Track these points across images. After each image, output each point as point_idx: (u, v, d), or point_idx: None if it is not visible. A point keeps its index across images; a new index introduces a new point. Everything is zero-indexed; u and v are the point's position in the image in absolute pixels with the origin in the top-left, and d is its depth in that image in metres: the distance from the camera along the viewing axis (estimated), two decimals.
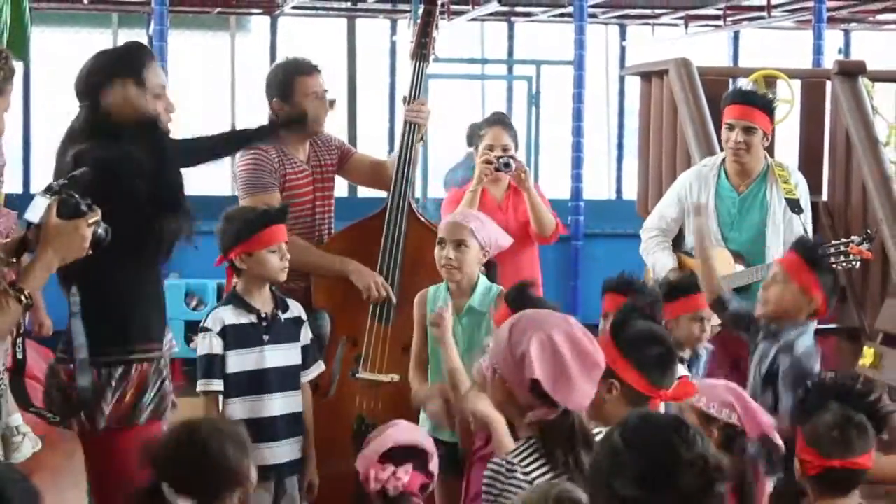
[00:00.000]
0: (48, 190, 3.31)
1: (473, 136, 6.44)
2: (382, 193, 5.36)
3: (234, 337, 4.46)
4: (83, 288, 3.63)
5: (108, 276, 3.68)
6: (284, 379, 4.52)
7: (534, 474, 2.96)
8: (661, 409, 3.43)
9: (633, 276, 4.75)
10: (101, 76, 3.81)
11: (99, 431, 3.70)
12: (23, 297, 3.20)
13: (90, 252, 3.37)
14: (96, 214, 3.36)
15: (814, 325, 4.61)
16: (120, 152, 3.68)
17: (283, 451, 4.50)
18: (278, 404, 4.50)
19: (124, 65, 3.83)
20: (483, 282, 4.65)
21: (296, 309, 4.66)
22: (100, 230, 3.39)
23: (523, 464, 2.97)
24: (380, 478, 3.45)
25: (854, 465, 3.18)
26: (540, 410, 2.98)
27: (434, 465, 3.57)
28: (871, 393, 3.35)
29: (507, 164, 5.65)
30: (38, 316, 5.81)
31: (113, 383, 3.70)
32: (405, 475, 3.43)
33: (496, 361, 3.03)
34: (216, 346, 4.44)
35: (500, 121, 6.09)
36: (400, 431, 3.63)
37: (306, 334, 4.65)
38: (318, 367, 4.69)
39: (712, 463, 2.35)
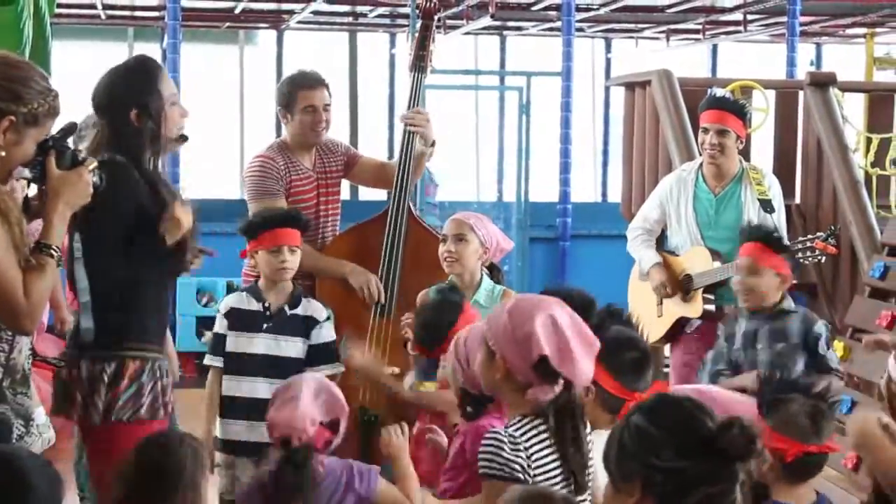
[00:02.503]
0: (40, 146, 3.22)
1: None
2: (383, 196, 5.36)
3: (237, 320, 4.62)
4: (90, 282, 3.60)
5: (109, 275, 3.61)
6: (272, 367, 4.49)
7: (532, 449, 2.94)
8: None
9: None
10: (123, 103, 3.69)
11: (95, 425, 3.59)
12: (53, 252, 3.16)
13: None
14: (93, 161, 3.34)
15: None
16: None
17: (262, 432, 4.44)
18: (260, 388, 4.46)
19: (143, 94, 3.70)
20: (487, 281, 4.67)
21: (311, 309, 4.65)
22: (94, 177, 3.34)
23: (524, 438, 2.95)
24: (287, 425, 3.30)
25: (828, 449, 3.17)
26: (539, 388, 2.95)
27: (343, 425, 3.44)
28: (816, 385, 3.32)
29: None
30: (59, 314, 5.91)
31: (106, 378, 3.57)
32: (311, 427, 3.28)
33: (495, 343, 2.99)
34: (221, 326, 4.65)
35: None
36: (312, 380, 3.53)
37: (319, 334, 4.63)
38: (332, 369, 4.59)
39: (746, 422, 2.28)
